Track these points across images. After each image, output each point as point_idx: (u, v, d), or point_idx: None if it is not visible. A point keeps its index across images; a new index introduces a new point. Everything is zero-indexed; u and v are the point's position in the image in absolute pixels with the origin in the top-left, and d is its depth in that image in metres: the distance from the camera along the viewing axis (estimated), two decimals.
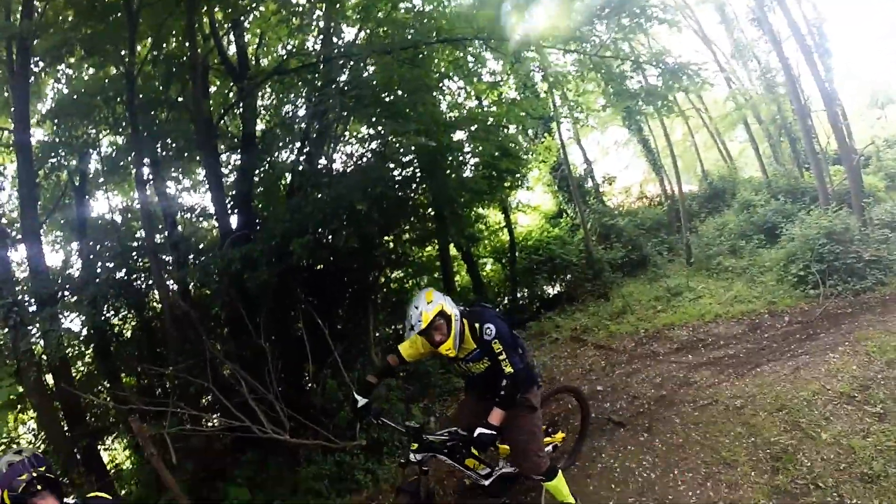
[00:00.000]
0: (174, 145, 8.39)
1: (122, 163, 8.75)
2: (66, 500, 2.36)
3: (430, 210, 8.97)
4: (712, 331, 8.22)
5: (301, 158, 7.83)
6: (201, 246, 8.06)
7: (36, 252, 7.67)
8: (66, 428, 7.46)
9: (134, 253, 8.25)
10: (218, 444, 6.68)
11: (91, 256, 8.36)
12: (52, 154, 8.60)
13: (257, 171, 7.83)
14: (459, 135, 8.27)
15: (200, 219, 8.92)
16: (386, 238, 8.02)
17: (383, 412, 3.64)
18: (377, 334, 7.57)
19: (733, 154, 17.62)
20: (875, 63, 27.34)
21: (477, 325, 3.35)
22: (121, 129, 8.58)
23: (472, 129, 8.20)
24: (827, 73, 11.29)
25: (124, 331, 8.21)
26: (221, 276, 6.01)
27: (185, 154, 8.52)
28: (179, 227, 8.22)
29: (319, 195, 6.40)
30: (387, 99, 7.70)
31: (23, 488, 2.27)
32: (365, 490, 5.85)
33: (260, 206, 8.00)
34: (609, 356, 8.12)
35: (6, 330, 7.10)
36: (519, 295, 12.09)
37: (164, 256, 7.52)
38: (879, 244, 8.72)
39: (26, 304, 7.11)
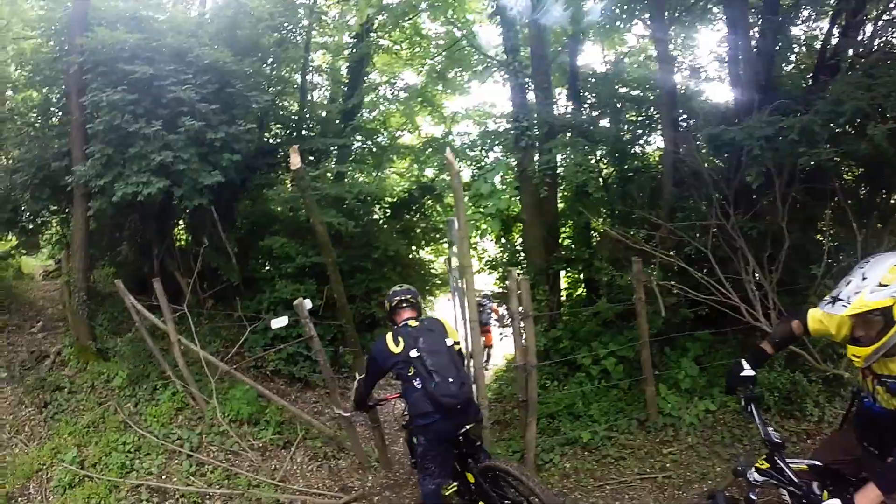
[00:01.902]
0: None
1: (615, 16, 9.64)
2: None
3: None
4: None
5: (835, 30, 7.48)
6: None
7: (545, 89, 9.17)
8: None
9: (619, 104, 9.32)
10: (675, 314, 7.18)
11: (575, 103, 9.77)
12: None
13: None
14: None
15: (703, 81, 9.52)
16: None
17: (759, 401, 3.01)
18: None
19: None
20: None
21: None
22: None
23: None
24: None
25: (605, 177, 9.47)
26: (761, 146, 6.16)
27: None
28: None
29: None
30: None
31: (396, 302, 4.29)
32: (806, 422, 6.03)
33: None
34: None
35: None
36: None
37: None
38: None
39: (536, 131, 8.69)
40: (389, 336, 4.01)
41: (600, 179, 9.12)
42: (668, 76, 8.37)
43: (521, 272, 8.04)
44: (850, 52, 7.13)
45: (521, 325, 5.42)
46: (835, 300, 2.31)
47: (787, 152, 5.99)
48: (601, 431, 6.23)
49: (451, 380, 3.71)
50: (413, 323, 4.11)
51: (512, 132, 8.97)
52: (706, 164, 7.40)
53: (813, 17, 8.55)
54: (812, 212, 7.39)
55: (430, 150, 12.00)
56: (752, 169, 6.22)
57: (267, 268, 9.26)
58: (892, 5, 7.46)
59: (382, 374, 4.27)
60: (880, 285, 2.22)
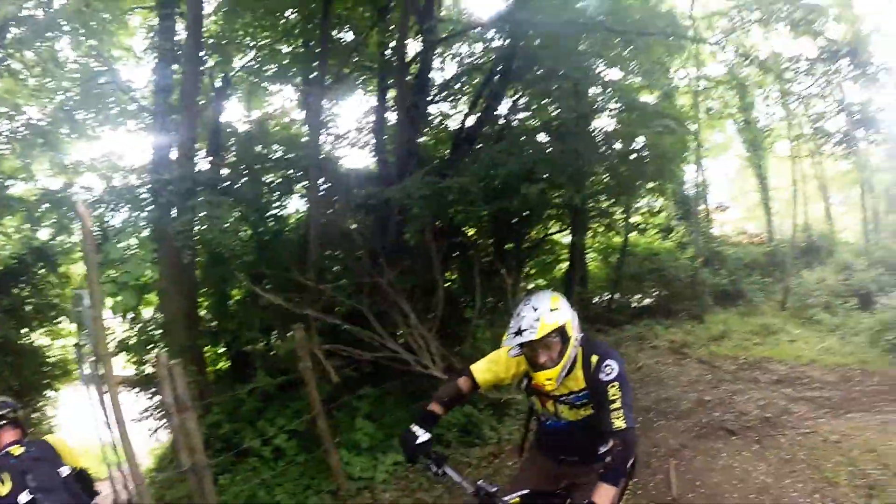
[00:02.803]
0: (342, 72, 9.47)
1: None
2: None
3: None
4: (807, 372, 9.41)
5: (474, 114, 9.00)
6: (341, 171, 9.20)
7: (189, 141, 8.25)
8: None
9: (261, 164, 9.19)
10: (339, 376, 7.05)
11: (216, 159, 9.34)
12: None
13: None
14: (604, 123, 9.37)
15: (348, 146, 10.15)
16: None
17: (447, 460, 2.97)
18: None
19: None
20: None
21: (594, 359, 2.73)
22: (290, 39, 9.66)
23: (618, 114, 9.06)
24: None
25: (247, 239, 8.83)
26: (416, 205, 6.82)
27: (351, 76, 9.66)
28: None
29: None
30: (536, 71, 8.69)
31: None
32: (489, 445, 6.85)
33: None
34: (714, 372, 9.44)
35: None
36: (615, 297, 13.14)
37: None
38: None
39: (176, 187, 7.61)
40: None
41: (244, 242, 8.69)
42: (314, 139, 8.76)
43: (163, 352, 7.18)
44: (494, 124, 8.82)
45: (181, 418, 4.68)
46: (518, 332, 2.60)
47: (444, 211, 6.87)
48: None
49: None
50: (16, 450, 3.22)
51: (148, 188, 7.93)
52: (356, 225, 7.89)
53: (455, 97, 10.10)
54: (457, 263, 8.53)
55: (47, 205, 9.60)
56: (411, 227, 6.91)
57: None
58: (519, 95, 9.37)
59: None
60: (552, 310, 2.64)
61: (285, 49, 9.93)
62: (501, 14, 8.75)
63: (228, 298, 9.06)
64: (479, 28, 9.35)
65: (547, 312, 2.62)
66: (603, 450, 2.65)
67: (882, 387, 8.67)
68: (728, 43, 9.88)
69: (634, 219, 13.04)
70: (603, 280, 13.96)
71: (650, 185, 10.33)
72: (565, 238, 11.63)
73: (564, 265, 12.67)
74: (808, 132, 12.25)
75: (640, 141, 9.10)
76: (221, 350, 9.03)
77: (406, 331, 6.79)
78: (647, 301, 13.68)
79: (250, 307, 8.34)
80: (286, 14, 9.32)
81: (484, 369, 3.00)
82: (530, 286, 11.50)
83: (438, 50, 9.28)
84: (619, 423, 2.57)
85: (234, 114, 10.98)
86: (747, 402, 7.92)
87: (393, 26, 8.94)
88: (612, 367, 2.66)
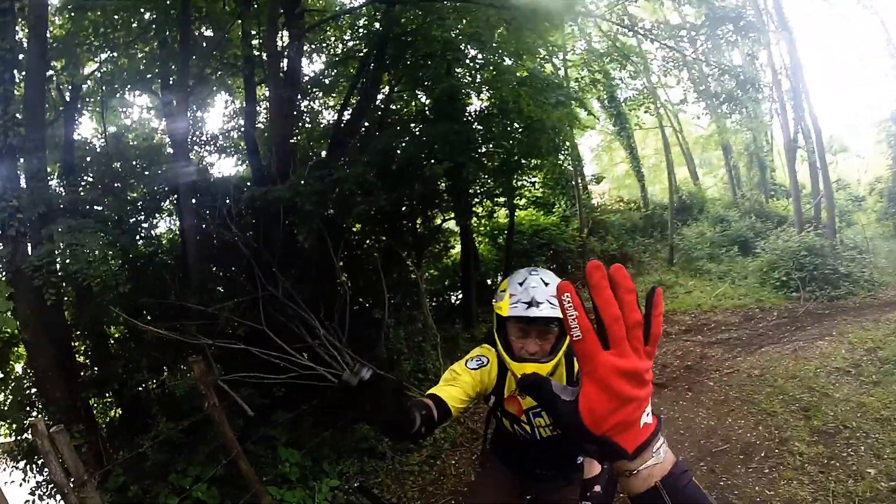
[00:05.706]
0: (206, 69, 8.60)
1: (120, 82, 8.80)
2: None
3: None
4: (711, 318, 9.89)
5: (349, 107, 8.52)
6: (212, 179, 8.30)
7: (39, 160, 6.82)
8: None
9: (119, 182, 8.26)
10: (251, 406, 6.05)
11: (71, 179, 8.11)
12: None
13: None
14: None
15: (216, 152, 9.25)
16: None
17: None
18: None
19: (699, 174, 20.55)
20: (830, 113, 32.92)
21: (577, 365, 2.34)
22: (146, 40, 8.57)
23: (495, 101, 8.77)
24: (812, 114, 13.39)
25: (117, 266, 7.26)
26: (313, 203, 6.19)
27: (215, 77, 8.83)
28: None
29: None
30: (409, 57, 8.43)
31: None
32: (425, 449, 6.33)
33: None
34: None
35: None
36: None
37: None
38: (849, 262, 11.05)
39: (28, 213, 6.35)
40: None
41: (114, 271, 7.38)
42: (180, 148, 7.77)
43: (41, 417, 5.89)
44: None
45: (80, 497, 3.61)
46: (533, 304, 2.08)
47: (340, 206, 6.28)
48: None
49: None
50: None
51: None
52: (239, 235, 6.95)
53: (329, 91, 9.54)
54: (348, 264, 7.86)
55: None
56: (303, 227, 6.22)
57: None
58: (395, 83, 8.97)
59: None
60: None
61: (141, 51, 8.81)
62: None
63: (108, 338, 7.79)
64: (350, 12, 8.90)
65: (555, 292, 2.02)
66: (580, 460, 2.35)
67: (782, 320, 9.29)
68: (612, 14, 9.92)
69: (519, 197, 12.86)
70: (493, 261, 13.86)
71: (535, 161, 9.94)
72: (450, 224, 11.28)
73: (453, 252, 12.50)
74: (690, 98, 12.87)
75: (524, 118, 8.44)
76: (109, 399, 7.64)
77: (314, 343, 6.03)
78: None
79: (135, 344, 7.21)
80: (141, 11, 8.16)
81: (450, 386, 2.26)
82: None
83: (309, 40, 8.72)
84: None
85: (87, 130, 9.62)
86: (665, 354, 8.09)
87: (258, 17, 8.15)
88: None
